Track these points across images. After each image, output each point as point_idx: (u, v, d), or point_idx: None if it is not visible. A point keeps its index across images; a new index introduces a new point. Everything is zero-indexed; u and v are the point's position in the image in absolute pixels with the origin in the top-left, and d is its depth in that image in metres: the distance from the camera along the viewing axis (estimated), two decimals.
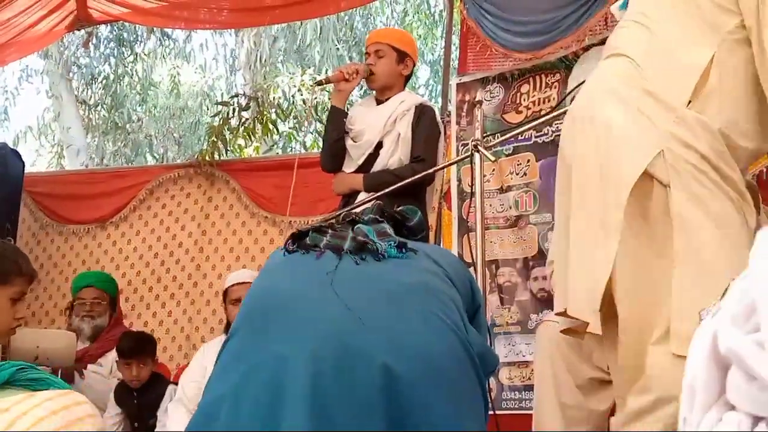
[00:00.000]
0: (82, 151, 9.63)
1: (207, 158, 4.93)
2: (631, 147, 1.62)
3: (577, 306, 1.65)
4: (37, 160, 11.31)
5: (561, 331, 2.05)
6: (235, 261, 4.67)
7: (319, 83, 3.37)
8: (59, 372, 3.32)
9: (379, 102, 3.23)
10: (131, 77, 10.76)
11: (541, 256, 3.49)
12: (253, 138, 6.73)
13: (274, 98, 6.55)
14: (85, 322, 3.76)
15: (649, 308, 1.56)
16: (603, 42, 3.47)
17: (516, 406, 3.47)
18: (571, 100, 3.11)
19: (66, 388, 1.41)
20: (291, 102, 7.11)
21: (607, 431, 2.57)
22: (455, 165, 3.67)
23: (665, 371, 1.48)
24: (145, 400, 3.40)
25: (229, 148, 5.62)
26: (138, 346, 3.42)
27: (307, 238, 1.60)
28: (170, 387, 3.41)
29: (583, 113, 1.76)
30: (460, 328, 1.44)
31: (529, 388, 3.32)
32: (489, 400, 1.56)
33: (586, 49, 3.55)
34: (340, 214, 1.78)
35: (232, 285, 3.44)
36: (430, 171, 2.94)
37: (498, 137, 3.44)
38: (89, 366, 3.63)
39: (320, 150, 3.50)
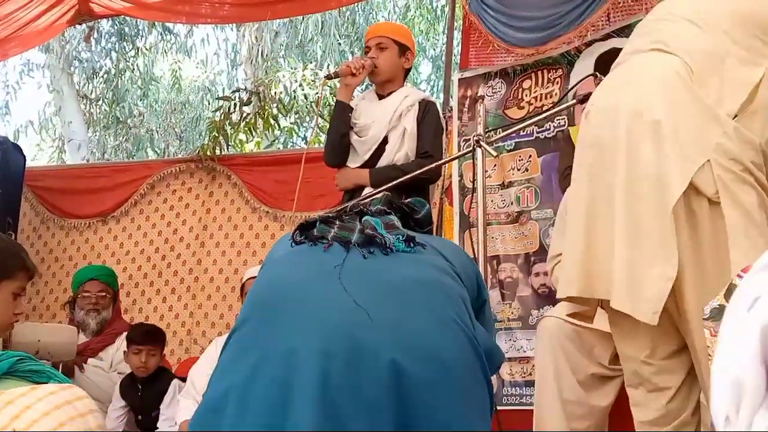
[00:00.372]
0: (83, 146, 9.62)
1: (208, 153, 4.93)
2: (679, 151, 1.65)
3: (631, 305, 1.67)
4: (38, 155, 11.33)
5: (569, 315, 2.09)
6: (236, 256, 4.67)
7: (329, 77, 3.35)
8: (60, 366, 3.33)
9: (380, 96, 3.21)
10: (132, 72, 10.74)
11: (542, 252, 3.48)
12: (254, 133, 6.73)
13: (275, 93, 6.54)
14: (91, 317, 3.76)
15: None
16: (605, 38, 3.50)
17: (517, 402, 3.47)
18: (574, 95, 3.12)
19: (66, 381, 1.41)
20: (292, 97, 7.10)
21: (608, 429, 2.57)
22: (457, 160, 3.67)
23: None
24: (150, 393, 3.43)
25: (230, 143, 5.62)
26: (149, 335, 3.49)
27: (315, 230, 1.58)
28: (174, 381, 3.43)
29: (628, 107, 1.75)
30: (468, 326, 1.43)
31: (530, 383, 3.32)
32: (494, 398, 1.56)
33: (589, 44, 3.54)
34: (348, 206, 1.76)
35: (249, 278, 3.47)
36: (432, 166, 2.93)
37: (500, 133, 3.44)
38: (90, 360, 3.64)
39: (323, 145, 3.48)
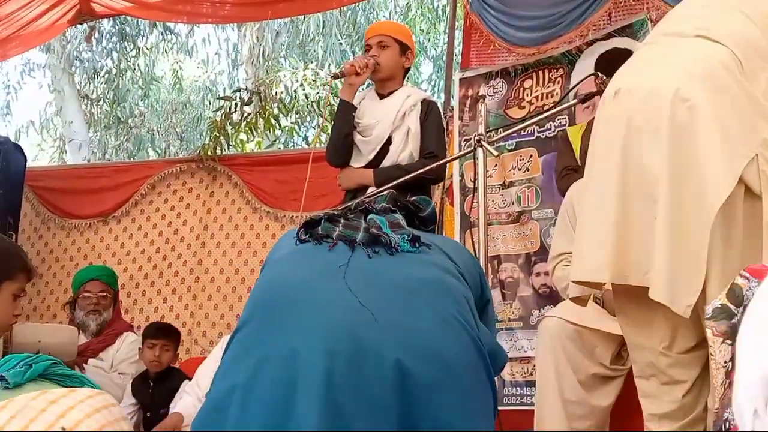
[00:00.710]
0: (84, 146, 9.63)
1: (209, 153, 4.93)
2: (726, 142, 1.62)
3: (670, 297, 1.64)
4: (39, 155, 11.34)
5: (571, 299, 2.08)
6: (237, 256, 4.67)
7: (335, 77, 3.33)
8: None
9: (381, 96, 3.21)
10: (133, 72, 10.76)
11: (543, 252, 3.48)
12: (255, 133, 6.72)
13: (276, 93, 6.53)
14: (91, 318, 3.76)
15: None
16: (606, 37, 3.49)
17: (518, 402, 3.47)
18: (575, 95, 3.12)
19: (96, 387, 1.43)
20: (293, 97, 7.09)
21: (608, 429, 2.57)
22: (458, 160, 3.67)
23: None
24: (161, 392, 3.44)
25: (231, 143, 5.61)
26: (165, 330, 3.55)
27: (319, 228, 1.57)
28: (185, 382, 3.44)
29: (670, 91, 1.68)
30: (472, 326, 1.43)
31: (531, 383, 3.32)
32: (497, 398, 1.55)
33: (590, 44, 3.54)
34: (353, 203, 1.74)
35: None
36: (433, 165, 2.92)
37: (501, 132, 3.44)
38: (90, 360, 3.63)
39: (324, 145, 3.46)
